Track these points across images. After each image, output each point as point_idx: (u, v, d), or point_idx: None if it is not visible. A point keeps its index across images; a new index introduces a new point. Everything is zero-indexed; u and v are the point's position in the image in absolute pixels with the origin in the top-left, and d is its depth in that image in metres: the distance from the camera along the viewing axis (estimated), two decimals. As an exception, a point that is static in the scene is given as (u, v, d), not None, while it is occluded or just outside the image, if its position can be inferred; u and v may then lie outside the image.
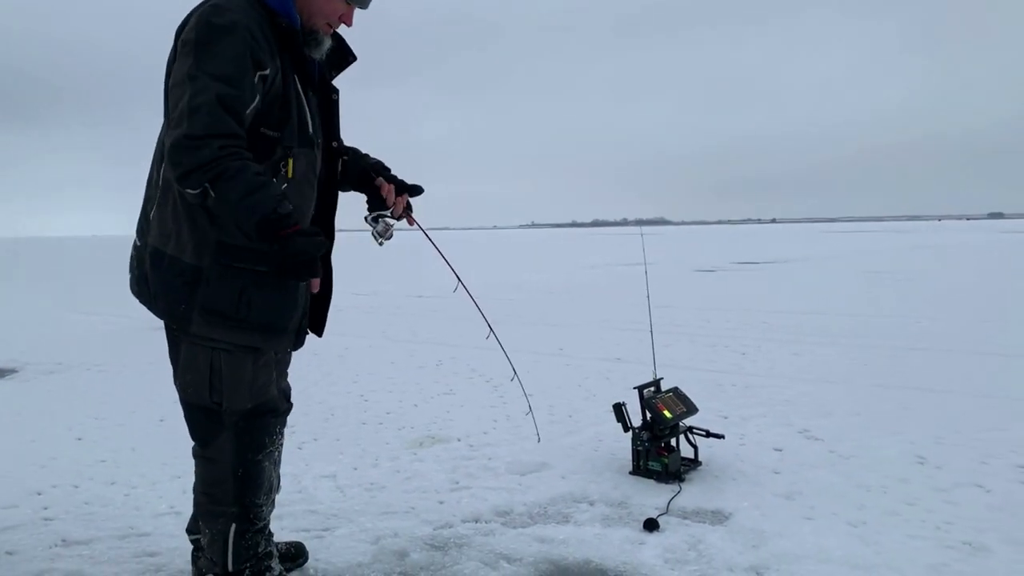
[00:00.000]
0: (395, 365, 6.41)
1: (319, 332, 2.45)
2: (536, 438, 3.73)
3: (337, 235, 2.45)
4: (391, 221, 2.45)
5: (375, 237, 2.44)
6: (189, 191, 1.92)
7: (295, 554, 2.64)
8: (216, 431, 2.18)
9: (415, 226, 2.54)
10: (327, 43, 2.25)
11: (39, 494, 3.34)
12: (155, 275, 2.11)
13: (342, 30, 2.31)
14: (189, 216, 2.05)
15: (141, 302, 2.20)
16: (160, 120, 2.12)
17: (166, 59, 2.08)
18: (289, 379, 2.52)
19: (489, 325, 2.80)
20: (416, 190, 2.49)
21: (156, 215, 2.12)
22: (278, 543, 2.61)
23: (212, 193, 1.89)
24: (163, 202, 2.10)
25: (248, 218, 1.91)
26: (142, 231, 2.18)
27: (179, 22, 2.06)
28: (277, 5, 2.10)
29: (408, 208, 2.49)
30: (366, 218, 2.44)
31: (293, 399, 2.50)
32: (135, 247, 2.21)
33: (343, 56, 2.37)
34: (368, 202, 2.47)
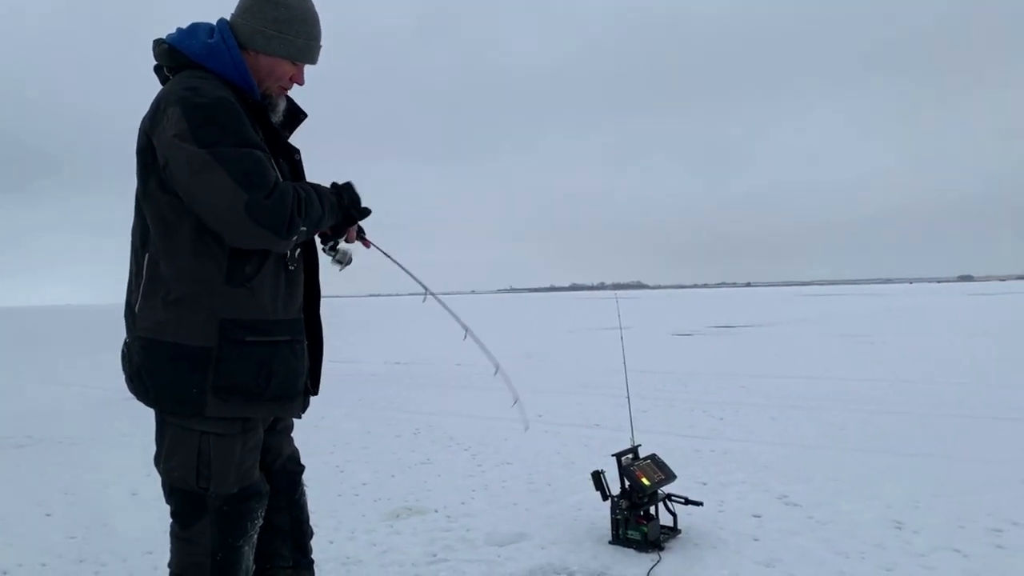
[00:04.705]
0: (371, 434, 6.34)
1: (315, 390, 2.43)
2: (525, 426, 3.80)
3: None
4: (346, 246, 2.43)
5: (336, 265, 2.43)
6: (289, 240, 2.02)
7: None
8: (199, 514, 2.11)
9: (372, 247, 2.52)
10: (282, 105, 2.31)
11: (5, 574, 3.25)
12: (153, 365, 2.05)
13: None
14: (191, 300, 2.03)
15: (138, 398, 2.13)
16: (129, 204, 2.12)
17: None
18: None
19: (464, 326, 2.69)
20: (364, 213, 2.43)
21: (144, 305, 2.07)
22: None
23: (303, 228, 2.05)
24: (151, 291, 2.06)
25: (333, 214, 2.21)
26: (129, 325, 2.14)
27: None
28: (241, 82, 2.14)
29: (360, 231, 2.48)
30: (323, 249, 2.41)
31: None
32: (124, 343, 2.17)
33: (294, 115, 2.41)
34: (320, 235, 2.44)
